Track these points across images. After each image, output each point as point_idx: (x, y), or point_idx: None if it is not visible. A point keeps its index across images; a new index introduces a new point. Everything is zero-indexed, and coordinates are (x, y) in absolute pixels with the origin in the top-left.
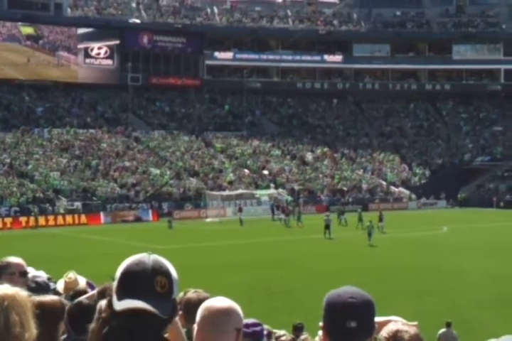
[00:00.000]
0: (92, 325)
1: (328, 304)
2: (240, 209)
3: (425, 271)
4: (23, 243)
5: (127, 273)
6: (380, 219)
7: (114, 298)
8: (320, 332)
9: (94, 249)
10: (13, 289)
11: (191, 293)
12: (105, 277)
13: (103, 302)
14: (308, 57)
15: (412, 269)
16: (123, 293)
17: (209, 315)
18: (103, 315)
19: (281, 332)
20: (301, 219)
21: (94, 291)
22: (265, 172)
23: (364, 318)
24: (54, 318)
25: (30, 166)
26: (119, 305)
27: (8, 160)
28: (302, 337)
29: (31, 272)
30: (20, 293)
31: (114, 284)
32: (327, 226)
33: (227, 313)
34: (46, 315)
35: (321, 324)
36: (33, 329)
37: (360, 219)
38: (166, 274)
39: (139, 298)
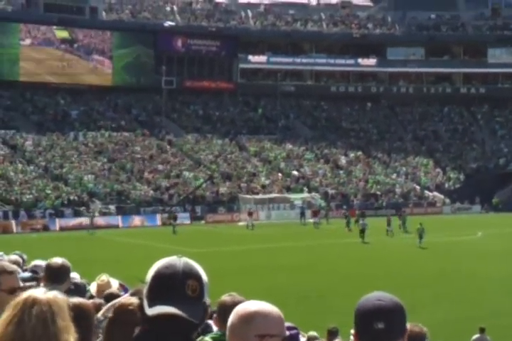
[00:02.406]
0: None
1: (358, 308)
2: (250, 214)
3: (460, 276)
4: (58, 245)
5: (158, 277)
6: (388, 224)
7: (145, 302)
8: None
9: (127, 252)
10: (52, 293)
11: (226, 296)
12: (135, 280)
13: (113, 302)
14: (342, 61)
15: (447, 275)
16: (154, 296)
17: (232, 320)
18: (110, 315)
19: (313, 333)
20: (350, 224)
21: (127, 294)
22: (294, 172)
23: (392, 320)
24: (88, 320)
25: (65, 169)
26: (151, 310)
27: (43, 163)
28: None
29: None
30: (59, 295)
31: (145, 288)
32: (362, 231)
33: (247, 320)
34: (81, 317)
35: (352, 331)
36: (74, 334)
37: (389, 224)
38: (197, 278)
39: (170, 302)
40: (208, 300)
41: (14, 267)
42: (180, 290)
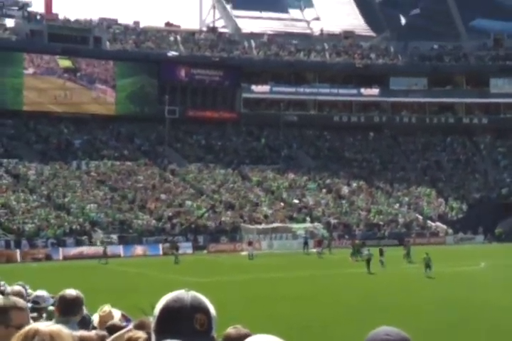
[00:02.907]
0: None
1: None
2: (250, 244)
3: (464, 306)
4: (60, 275)
5: (166, 310)
6: (381, 253)
7: (153, 336)
8: None
9: (130, 282)
10: (57, 326)
11: (231, 329)
12: (138, 310)
13: (117, 334)
14: (345, 91)
15: (452, 305)
16: (162, 330)
17: None
18: None
19: None
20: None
21: (131, 326)
22: (295, 201)
23: None
24: None
25: (67, 198)
26: None
27: (46, 192)
28: None
29: None
30: (64, 329)
31: (153, 321)
32: (368, 261)
33: None
34: None
35: None
36: None
37: (381, 254)
38: (205, 311)
39: (179, 336)
40: (215, 334)
41: (25, 303)
42: (188, 324)
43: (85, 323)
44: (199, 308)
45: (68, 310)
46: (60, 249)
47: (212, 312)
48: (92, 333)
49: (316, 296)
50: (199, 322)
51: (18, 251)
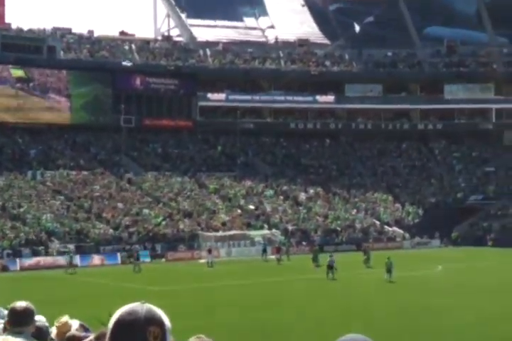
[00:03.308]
0: None
1: None
2: (210, 251)
3: (419, 310)
4: (18, 286)
5: (120, 323)
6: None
7: None
8: None
9: (88, 292)
10: (17, 339)
11: (194, 339)
12: (96, 320)
13: None
14: (300, 98)
15: (412, 309)
16: None
17: None
18: None
19: None
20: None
21: (91, 337)
22: (251, 207)
23: None
24: None
25: (22, 209)
26: None
27: (1, 203)
28: None
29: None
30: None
31: (107, 334)
32: (330, 267)
33: None
34: None
35: None
36: None
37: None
38: (159, 324)
39: None
40: None
41: None
42: (142, 337)
43: (42, 335)
44: (153, 321)
45: (20, 321)
46: (17, 260)
47: (168, 325)
48: None
49: (275, 303)
50: (153, 334)
51: None
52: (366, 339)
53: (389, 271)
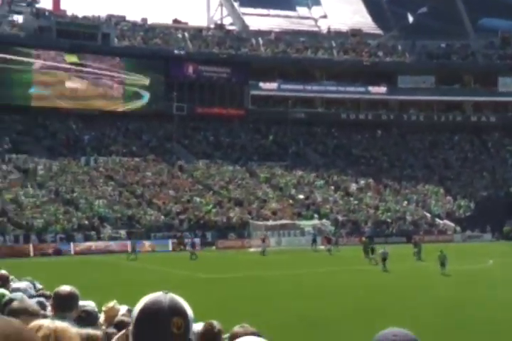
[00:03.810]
0: None
1: None
2: (264, 240)
3: (475, 304)
4: (68, 270)
5: (144, 313)
6: (372, 252)
7: (131, 338)
8: None
9: (137, 277)
10: (64, 323)
11: (238, 328)
12: None
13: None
14: (352, 88)
15: (463, 303)
16: (140, 333)
17: None
18: None
19: None
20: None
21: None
22: (300, 196)
23: None
24: None
25: (75, 194)
26: None
27: (54, 188)
28: None
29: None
30: (71, 328)
31: (131, 324)
32: (384, 259)
33: None
34: None
35: None
36: None
37: (372, 252)
38: (183, 314)
39: (156, 339)
40: (192, 336)
41: (37, 309)
42: (165, 327)
43: (91, 319)
44: (176, 311)
45: (63, 306)
46: (71, 244)
47: (190, 315)
48: (98, 331)
49: (325, 293)
50: (176, 325)
51: (31, 246)
52: (408, 333)
53: (442, 264)
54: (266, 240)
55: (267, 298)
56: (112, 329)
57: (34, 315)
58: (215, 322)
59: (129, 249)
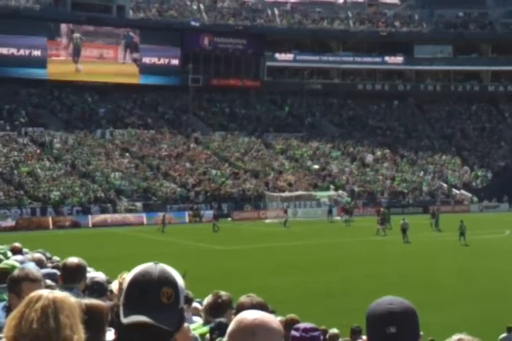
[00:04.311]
0: None
1: (369, 313)
2: (286, 211)
3: (488, 274)
4: (84, 242)
5: (133, 284)
6: (382, 222)
7: (121, 310)
8: None
9: (154, 249)
10: (63, 293)
11: (245, 298)
12: None
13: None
14: (369, 59)
15: (475, 273)
16: (129, 304)
17: (236, 330)
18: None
19: (334, 330)
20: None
21: None
22: (315, 166)
23: (404, 324)
24: (100, 322)
25: (91, 166)
26: (126, 319)
27: (70, 161)
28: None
29: (90, 273)
30: (70, 297)
31: (121, 294)
32: (404, 230)
33: (253, 332)
34: (92, 319)
35: (365, 337)
36: (82, 334)
37: (388, 220)
38: (172, 285)
39: (145, 310)
40: (184, 306)
41: (38, 275)
42: (155, 298)
43: (101, 290)
44: (166, 282)
45: (71, 277)
46: (89, 216)
47: (181, 285)
48: (103, 302)
49: (341, 264)
50: (166, 295)
51: (51, 219)
52: (403, 301)
53: (462, 234)
54: (287, 211)
55: (284, 269)
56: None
57: (35, 281)
58: (223, 293)
59: (161, 222)
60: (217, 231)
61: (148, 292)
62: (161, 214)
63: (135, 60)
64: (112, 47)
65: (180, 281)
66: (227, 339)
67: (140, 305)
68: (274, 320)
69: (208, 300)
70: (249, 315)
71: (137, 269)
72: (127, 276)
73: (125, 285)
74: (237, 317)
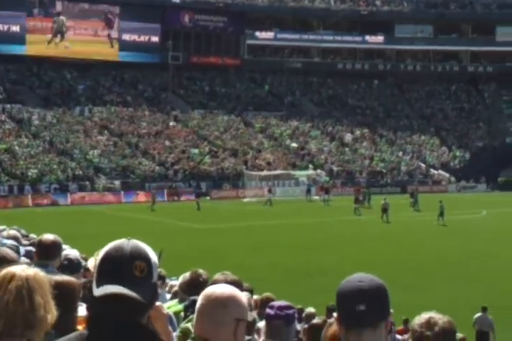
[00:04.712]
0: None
1: (339, 290)
2: (270, 190)
3: (465, 255)
4: (62, 220)
5: (106, 259)
6: (357, 201)
7: (94, 284)
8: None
9: (132, 227)
10: (32, 269)
11: (219, 275)
12: None
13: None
14: (349, 38)
15: (451, 254)
16: (102, 278)
17: (206, 303)
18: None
19: (311, 309)
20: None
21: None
22: (293, 144)
23: (374, 301)
24: (71, 299)
25: (70, 144)
26: (98, 290)
27: (48, 138)
28: (331, 319)
29: (65, 250)
30: (40, 273)
31: (94, 270)
32: (384, 210)
33: (224, 304)
34: (63, 295)
35: (335, 314)
36: (54, 311)
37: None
38: (145, 258)
39: (118, 283)
40: (157, 281)
41: (14, 256)
42: (127, 271)
43: (73, 267)
44: (138, 256)
45: (46, 254)
46: (68, 194)
47: (154, 260)
48: (73, 279)
49: (319, 244)
50: (138, 268)
51: (29, 196)
52: (373, 278)
53: (441, 214)
54: (272, 190)
55: (262, 248)
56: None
57: (12, 262)
58: (202, 271)
59: (151, 200)
60: (200, 209)
61: (120, 266)
62: (152, 192)
63: (109, 36)
64: (92, 24)
65: (153, 256)
66: (196, 315)
67: (113, 278)
68: (242, 294)
69: (184, 278)
70: (218, 289)
71: (110, 245)
72: (100, 252)
73: (98, 260)
74: (206, 291)
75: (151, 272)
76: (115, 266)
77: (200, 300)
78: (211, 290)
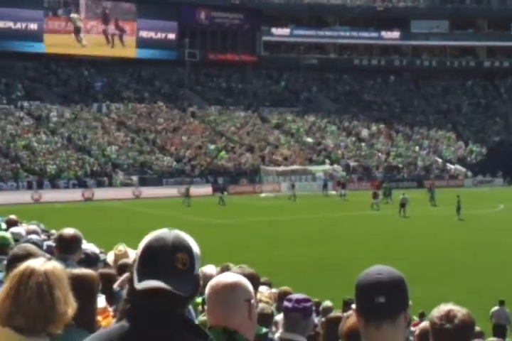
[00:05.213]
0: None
1: (358, 282)
2: (293, 186)
3: (484, 249)
4: (80, 215)
5: (147, 250)
6: (375, 197)
7: (135, 276)
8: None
9: (149, 223)
10: (50, 263)
11: (236, 269)
12: None
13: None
14: (365, 34)
15: (471, 247)
16: (143, 270)
17: (214, 292)
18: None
19: (328, 303)
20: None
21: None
22: (309, 139)
23: (393, 293)
24: (90, 291)
25: (88, 140)
26: (140, 284)
27: (67, 134)
28: (349, 312)
29: (83, 244)
30: (58, 266)
31: (136, 261)
32: (402, 205)
33: (232, 288)
34: (83, 287)
35: (353, 306)
36: (73, 304)
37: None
38: (187, 250)
39: (160, 276)
40: (198, 272)
41: (40, 252)
42: (169, 264)
43: (90, 261)
44: (181, 247)
45: (66, 248)
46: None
47: (196, 251)
48: (92, 272)
49: (336, 237)
50: (181, 261)
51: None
52: (392, 271)
53: (459, 208)
54: (294, 186)
55: (279, 243)
56: (109, 271)
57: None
58: (232, 265)
59: (183, 195)
60: (223, 205)
61: (162, 257)
62: (184, 188)
63: (121, 36)
64: (109, 22)
65: (195, 247)
66: (208, 306)
67: (154, 271)
68: (245, 278)
69: (217, 271)
70: (223, 277)
71: (151, 235)
72: (141, 242)
73: (139, 251)
74: (211, 282)
75: (193, 264)
76: (157, 258)
77: (207, 290)
78: (216, 280)
